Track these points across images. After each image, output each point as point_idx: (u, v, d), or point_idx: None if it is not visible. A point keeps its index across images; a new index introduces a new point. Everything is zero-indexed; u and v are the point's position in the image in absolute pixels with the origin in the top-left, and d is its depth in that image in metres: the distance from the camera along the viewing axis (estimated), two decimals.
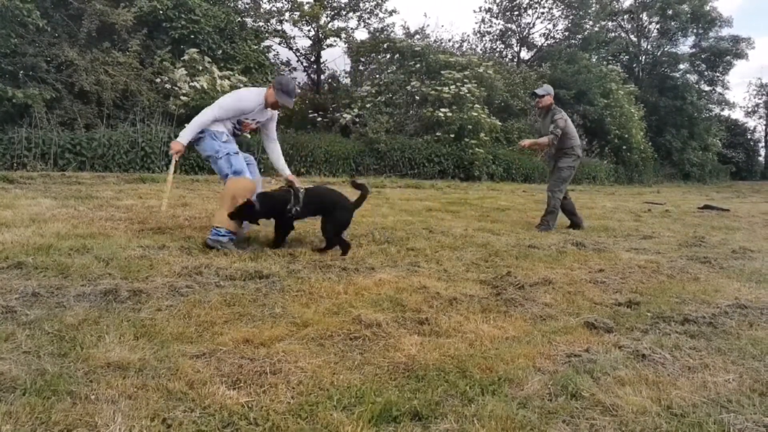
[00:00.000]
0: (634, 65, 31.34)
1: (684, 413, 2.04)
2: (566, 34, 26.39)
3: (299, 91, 11.67)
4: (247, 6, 17.18)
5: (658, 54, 30.86)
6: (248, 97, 4.64)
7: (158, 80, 11.90)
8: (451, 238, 5.32)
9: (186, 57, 12.22)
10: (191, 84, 11.66)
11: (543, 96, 6.59)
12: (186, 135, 4.47)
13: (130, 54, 11.65)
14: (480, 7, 27.03)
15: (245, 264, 3.91)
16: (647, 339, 2.81)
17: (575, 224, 6.66)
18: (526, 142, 6.83)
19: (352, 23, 22.30)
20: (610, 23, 29.67)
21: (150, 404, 1.94)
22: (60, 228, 4.55)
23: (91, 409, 1.88)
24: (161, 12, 12.43)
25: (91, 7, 11.45)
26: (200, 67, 12.22)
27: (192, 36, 12.83)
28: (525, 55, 26.85)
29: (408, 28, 22.41)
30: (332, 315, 2.97)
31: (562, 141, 6.46)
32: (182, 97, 11.46)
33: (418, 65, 17.09)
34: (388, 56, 19.12)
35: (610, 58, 29.60)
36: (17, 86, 10.16)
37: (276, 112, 4.90)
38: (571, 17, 25.98)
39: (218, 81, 11.94)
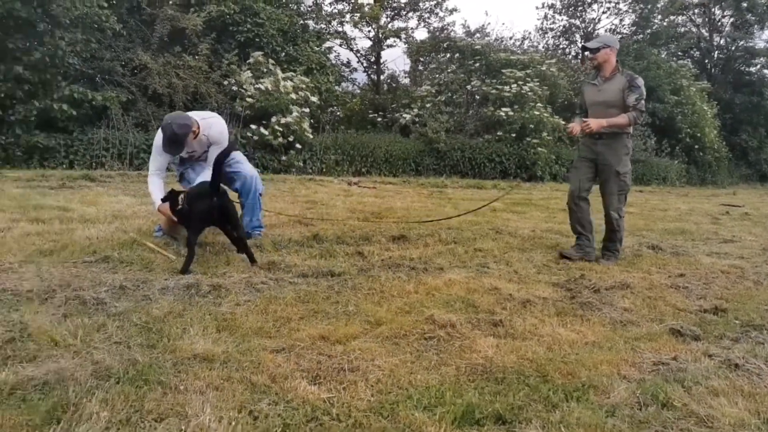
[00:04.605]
0: (706, 61, 29.82)
1: None
2: (633, 29, 25.43)
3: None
4: (309, 9, 17.47)
5: (732, 49, 29.24)
6: (156, 137, 4.26)
7: (226, 83, 12.28)
8: (519, 239, 5.21)
9: (251, 60, 12.55)
10: (256, 86, 11.96)
11: (597, 50, 4.49)
12: (156, 199, 4.14)
13: (200, 58, 12.07)
14: (543, 3, 26.36)
15: (316, 261, 3.97)
16: (738, 348, 2.66)
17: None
18: (594, 123, 4.33)
19: (412, 23, 22.32)
20: (679, 17, 28.36)
21: (236, 396, 1.99)
22: (141, 224, 4.76)
23: (181, 399, 1.94)
24: (228, 16, 12.81)
25: (163, 12, 11.94)
26: (264, 69, 12.51)
27: (257, 39, 13.17)
28: None
29: (468, 27, 22.18)
30: (405, 314, 2.97)
31: (638, 121, 4.43)
32: (248, 99, 11.77)
33: (477, 64, 16.89)
34: (448, 55, 18.98)
35: (680, 53, 28.32)
36: (95, 89, 10.72)
37: (218, 140, 4.31)
38: (638, 11, 25.03)
39: (281, 82, 12.19)
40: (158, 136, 4.21)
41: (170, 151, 4.13)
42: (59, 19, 9.67)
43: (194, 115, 4.26)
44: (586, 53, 4.80)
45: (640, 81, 4.40)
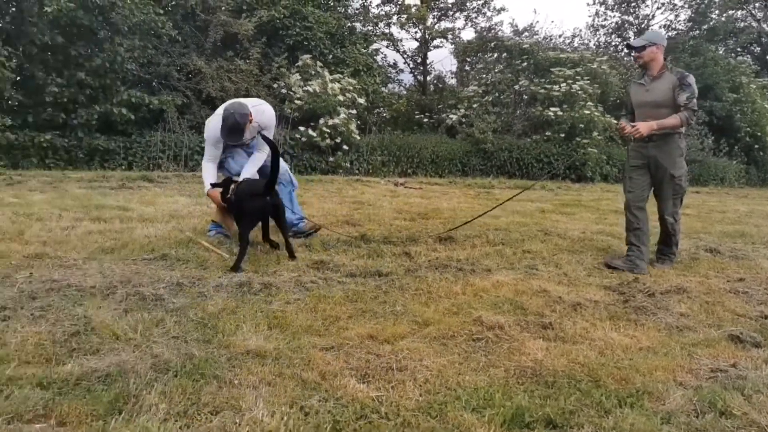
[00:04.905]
0: None
1: None
2: (689, 24, 24.52)
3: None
4: (356, 11, 17.62)
5: None
6: (210, 128, 4.36)
7: (275, 85, 12.52)
8: (569, 241, 5.11)
9: (300, 63, 12.75)
10: (304, 88, 12.14)
11: (643, 48, 4.29)
12: (207, 184, 4.31)
13: (251, 62, 12.34)
14: (594, 0, 25.74)
15: (364, 261, 4.01)
16: None
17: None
18: (643, 127, 4.12)
19: (459, 23, 22.20)
20: (739, 12, 27.12)
21: (287, 392, 2.04)
22: (196, 224, 4.93)
23: (236, 393, 2.01)
24: (278, 21, 13.06)
25: (216, 18, 12.28)
26: (312, 72, 12.69)
27: (305, 42, 13.37)
28: None
29: (516, 26, 21.86)
30: (452, 315, 2.97)
31: (690, 122, 4.19)
32: (296, 101, 11.97)
33: (525, 63, 16.64)
34: (495, 55, 18.78)
35: (739, 49, 27.09)
36: (152, 93, 11.13)
37: (268, 126, 4.50)
38: (694, 7, 24.12)
39: (329, 84, 12.33)
40: (212, 127, 4.32)
41: (231, 140, 4.24)
42: (118, 26, 10.09)
43: (246, 102, 4.41)
44: (632, 52, 4.51)
45: (691, 78, 4.17)
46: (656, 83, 4.26)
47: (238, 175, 4.35)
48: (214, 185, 4.18)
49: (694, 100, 4.11)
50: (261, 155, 4.52)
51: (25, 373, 2.05)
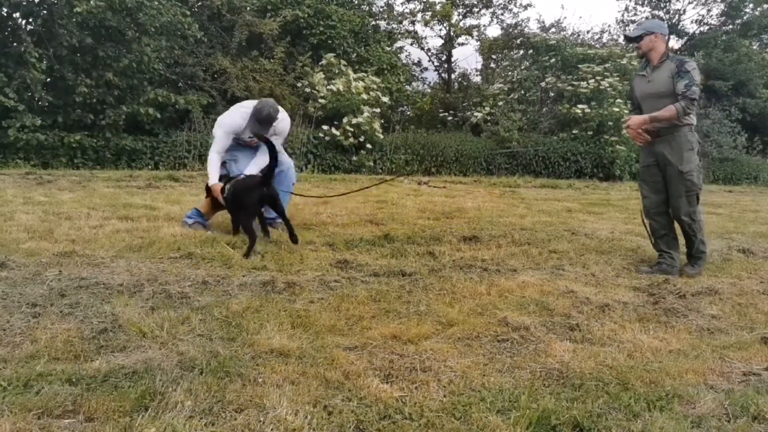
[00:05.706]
0: None
1: None
2: (722, 19, 23.92)
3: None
4: (380, 9, 17.62)
5: None
6: (232, 117, 4.70)
7: (299, 84, 12.59)
8: (597, 241, 5.03)
9: (324, 61, 12.80)
10: (328, 87, 12.19)
11: (640, 38, 4.11)
12: (214, 177, 4.62)
13: (275, 61, 12.44)
14: None
15: (387, 261, 4.00)
16: None
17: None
18: (633, 121, 4.05)
19: (485, 20, 22.03)
20: None
21: (311, 391, 2.04)
22: (221, 222, 4.97)
23: (260, 392, 2.01)
24: (302, 20, 13.13)
25: (241, 18, 12.40)
26: (336, 71, 12.73)
27: (329, 41, 13.43)
28: (675, 44, 24.60)
29: (543, 22, 21.65)
30: (477, 316, 2.94)
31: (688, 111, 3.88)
32: (320, 100, 12.02)
33: (552, 60, 16.44)
34: (521, 52, 18.61)
35: None
36: (179, 93, 11.29)
37: (282, 132, 4.83)
38: (727, 1, 23.53)
39: (353, 83, 12.36)
40: (230, 118, 4.70)
41: (260, 130, 4.56)
42: (146, 27, 10.25)
43: None
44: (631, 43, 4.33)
45: (691, 65, 3.90)
46: (657, 73, 4.06)
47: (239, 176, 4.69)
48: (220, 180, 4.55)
49: (693, 88, 3.83)
50: (265, 158, 4.68)
51: (54, 369, 2.08)
